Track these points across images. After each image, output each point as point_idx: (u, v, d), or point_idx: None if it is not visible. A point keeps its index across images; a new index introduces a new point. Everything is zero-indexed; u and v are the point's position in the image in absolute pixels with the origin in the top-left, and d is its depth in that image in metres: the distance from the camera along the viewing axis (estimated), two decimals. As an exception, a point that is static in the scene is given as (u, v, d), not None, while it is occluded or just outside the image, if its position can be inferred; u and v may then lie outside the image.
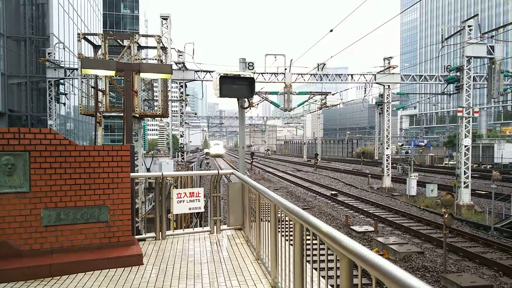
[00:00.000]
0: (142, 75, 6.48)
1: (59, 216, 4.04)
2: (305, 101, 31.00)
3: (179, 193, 5.38)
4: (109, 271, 4.04)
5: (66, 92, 25.96)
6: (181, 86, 24.67)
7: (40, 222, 3.97)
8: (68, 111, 32.92)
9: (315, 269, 2.56)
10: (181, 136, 26.85)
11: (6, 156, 3.83)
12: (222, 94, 5.74)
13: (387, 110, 26.17)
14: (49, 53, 24.02)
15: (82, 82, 13.74)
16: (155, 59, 13.87)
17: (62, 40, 30.12)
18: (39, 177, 3.95)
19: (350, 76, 25.43)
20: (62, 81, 24.73)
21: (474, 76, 22.01)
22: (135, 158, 12.07)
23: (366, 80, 25.24)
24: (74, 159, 4.10)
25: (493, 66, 19.34)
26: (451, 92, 24.87)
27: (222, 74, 5.79)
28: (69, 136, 31.55)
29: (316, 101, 31.35)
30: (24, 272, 3.79)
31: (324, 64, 24.66)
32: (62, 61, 25.51)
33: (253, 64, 21.98)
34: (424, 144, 54.02)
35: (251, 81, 5.94)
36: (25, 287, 3.62)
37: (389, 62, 25.05)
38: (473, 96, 20.70)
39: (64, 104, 27.11)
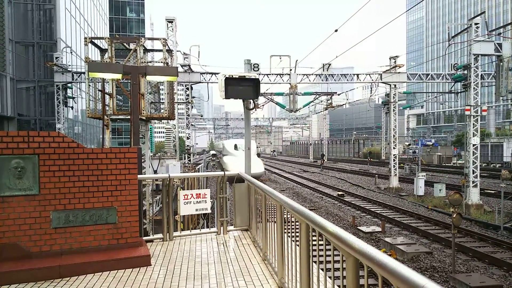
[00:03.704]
0: (149, 78, 6.54)
1: (68, 218, 4.10)
2: (311, 101, 30.93)
3: (185, 195, 5.42)
4: (117, 272, 4.09)
5: (73, 95, 26.24)
6: (187, 88, 24.79)
7: (50, 224, 4.03)
8: (76, 115, 33.26)
9: (322, 269, 2.56)
10: (188, 138, 26.98)
11: (16, 159, 3.90)
12: (227, 96, 5.76)
13: (393, 110, 26.00)
14: (56, 58, 24.32)
15: (90, 85, 13.90)
16: (161, 62, 13.97)
17: (69, 45, 30.48)
18: (48, 180, 4.02)
19: (356, 76, 25.32)
20: (69, 85, 25.00)
21: (481, 74, 21.77)
22: (142, 160, 12.17)
23: (372, 80, 25.12)
24: (82, 161, 4.16)
25: (501, 63, 19.12)
26: (459, 91, 24.64)
27: (227, 76, 5.82)
28: (77, 139, 31.85)
29: (321, 101, 31.27)
30: (34, 273, 3.85)
31: (330, 64, 24.58)
32: (69, 65, 25.81)
33: (258, 65, 22.11)
34: (431, 143, 53.52)
35: (256, 82, 5.96)
36: (35, 288, 3.67)
37: (395, 61, 24.90)
38: (481, 95, 20.48)
39: (72, 107, 27.41)
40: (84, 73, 22.79)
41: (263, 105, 28.82)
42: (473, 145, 19.28)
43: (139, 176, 4.60)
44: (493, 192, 21.69)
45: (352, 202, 20.43)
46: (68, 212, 4.10)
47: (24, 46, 29.31)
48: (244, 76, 5.97)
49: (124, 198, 4.33)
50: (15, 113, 27.29)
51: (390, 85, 25.67)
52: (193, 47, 23.26)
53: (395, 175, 25.44)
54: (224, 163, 34.86)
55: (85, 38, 13.59)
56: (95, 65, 6.14)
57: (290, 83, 23.38)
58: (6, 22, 26.23)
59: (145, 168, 13.59)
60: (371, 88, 26.43)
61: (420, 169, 24.89)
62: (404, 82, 26.28)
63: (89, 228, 4.19)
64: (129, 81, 6.59)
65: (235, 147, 34.86)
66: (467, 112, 19.63)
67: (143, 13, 60.43)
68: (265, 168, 37.96)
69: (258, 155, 43.06)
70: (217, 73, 23.20)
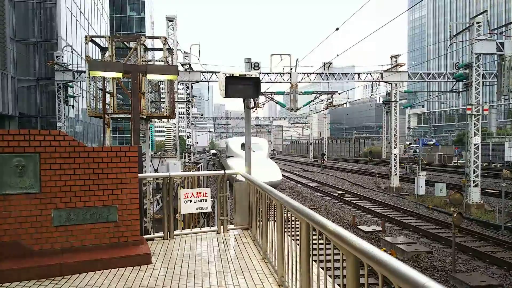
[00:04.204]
0: (149, 76, 6.55)
1: (69, 217, 4.11)
2: (311, 100, 30.93)
3: (186, 193, 5.42)
4: (118, 270, 4.10)
5: (74, 94, 26.26)
6: (187, 87, 24.79)
7: (51, 222, 4.04)
8: (76, 114, 33.27)
9: (322, 268, 2.57)
10: (188, 137, 26.99)
11: (17, 157, 3.91)
12: (227, 95, 5.76)
13: (394, 109, 25.97)
14: (57, 56, 24.33)
15: (90, 84, 13.91)
16: (161, 61, 13.97)
17: (70, 43, 30.49)
18: (49, 178, 4.02)
19: (356, 75, 25.30)
20: (70, 83, 25.02)
21: (483, 73, 21.73)
22: (143, 159, 12.18)
23: (373, 79, 25.09)
24: (83, 160, 4.17)
25: (503, 62, 19.07)
26: (460, 90, 24.58)
27: (227, 75, 5.82)
28: (78, 138, 31.81)
29: (322, 100, 31.25)
30: (35, 271, 3.86)
31: (331, 63, 24.55)
32: (70, 64, 25.82)
33: (258, 64, 22.05)
34: (432, 143, 53.44)
35: (256, 81, 5.96)
36: (36, 286, 3.69)
37: (396, 60, 24.86)
38: (483, 94, 20.44)
39: (73, 106, 27.39)
40: (84, 72, 22.81)
41: (263, 104, 28.82)
42: (474, 144, 19.25)
43: (139, 174, 4.60)
44: (494, 191, 21.67)
45: (353, 201, 20.42)
46: (69, 211, 4.11)
47: (25, 45, 29.32)
48: (245, 75, 5.97)
49: (125, 197, 4.34)
50: (16, 112, 27.32)
51: (391, 84, 25.65)
52: (193, 46, 23.24)
53: (396, 174, 25.42)
54: (228, 166, 27.17)
55: (86, 36, 13.59)
56: (95, 64, 6.15)
57: (290, 82, 23.36)
58: (7, 21, 26.25)
59: (145, 167, 13.61)
60: (372, 87, 26.41)
61: (421, 168, 24.87)
62: (405, 81, 26.24)
63: (90, 227, 4.19)
64: (130, 79, 6.60)
65: (243, 147, 25.20)
66: (468, 112, 19.61)
67: (143, 12, 60.45)
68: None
69: None
70: (218, 72, 23.19)
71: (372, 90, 26.50)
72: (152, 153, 21.98)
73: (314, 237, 2.62)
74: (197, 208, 5.53)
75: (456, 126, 62.05)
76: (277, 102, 27.24)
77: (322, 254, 2.44)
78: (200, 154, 69.02)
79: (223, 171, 5.73)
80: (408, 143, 58.28)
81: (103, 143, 13.10)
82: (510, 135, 49.36)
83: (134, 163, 4.42)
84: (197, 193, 5.49)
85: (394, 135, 25.85)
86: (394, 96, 25.78)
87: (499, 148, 40.76)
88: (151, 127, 17.35)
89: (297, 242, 2.95)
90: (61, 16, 29.96)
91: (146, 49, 14.19)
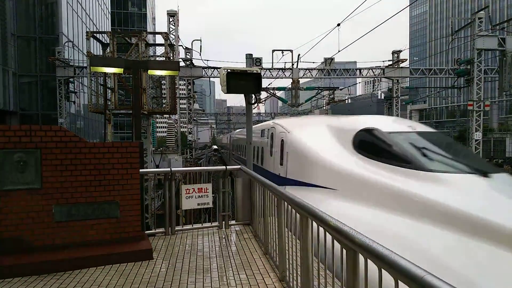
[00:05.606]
0: (150, 72, 6.54)
1: (71, 212, 4.12)
2: (313, 96, 30.87)
3: (187, 189, 5.43)
4: (120, 266, 4.11)
5: (75, 90, 26.26)
6: (189, 83, 24.76)
7: (52, 218, 4.06)
8: (78, 109, 33.28)
9: (322, 262, 2.58)
10: (190, 133, 26.99)
11: (18, 153, 3.92)
12: (229, 90, 5.76)
13: (396, 105, 25.90)
14: (58, 52, 24.32)
15: (91, 80, 13.91)
16: (163, 57, 13.95)
17: (71, 39, 30.43)
18: (50, 174, 4.03)
19: (358, 70, 25.22)
20: (71, 79, 25.02)
21: (485, 69, 21.62)
22: (144, 155, 12.19)
23: (375, 75, 25.01)
24: (84, 156, 4.17)
25: (505, 58, 18.98)
26: (462, 86, 24.50)
27: (229, 70, 5.81)
28: (79, 134, 31.82)
29: (323, 96, 31.20)
30: (37, 267, 3.88)
31: (332, 59, 24.47)
32: (71, 59, 25.81)
33: (260, 60, 21.95)
34: (434, 138, 53.20)
35: (257, 77, 5.95)
36: (38, 282, 3.71)
37: (397, 56, 24.75)
38: (484, 90, 20.36)
39: (74, 102, 27.42)
40: (86, 67, 22.78)
41: (265, 100, 28.78)
42: (476, 140, 19.22)
43: (141, 170, 4.61)
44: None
45: (354, 197, 20.39)
46: (71, 206, 4.12)
47: (27, 41, 29.28)
48: (246, 70, 5.96)
49: (126, 193, 4.34)
50: (17, 107, 27.36)
51: (392, 80, 25.56)
52: (195, 41, 23.18)
53: (397, 170, 25.36)
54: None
55: (87, 32, 13.58)
56: (97, 59, 6.15)
57: (292, 78, 23.30)
58: (8, 17, 26.21)
59: (147, 162, 13.63)
60: (374, 83, 26.34)
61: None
62: (407, 77, 26.15)
63: (91, 222, 4.21)
64: (131, 75, 6.59)
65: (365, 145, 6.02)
66: (469, 107, 19.56)
67: (145, 7, 60.28)
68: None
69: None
70: (219, 68, 23.12)
71: (373, 86, 26.43)
72: (154, 148, 22.00)
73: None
74: (198, 204, 5.53)
75: (458, 122, 61.80)
76: (279, 98, 27.21)
77: (322, 249, 2.45)
78: (202, 150, 68.89)
79: (224, 167, 5.74)
80: (409, 139, 57.91)
81: (104, 139, 13.12)
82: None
83: (135, 158, 4.42)
84: (198, 188, 5.50)
85: (396, 131, 25.75)
86: (396, 92, 25.70)
87: (500, 144, 40.65)
88: (152, 122, 17.35)
89: (298, 237, 2.96)
90: (62, 11, 29.88)
91: (148, 45, 14.16)
